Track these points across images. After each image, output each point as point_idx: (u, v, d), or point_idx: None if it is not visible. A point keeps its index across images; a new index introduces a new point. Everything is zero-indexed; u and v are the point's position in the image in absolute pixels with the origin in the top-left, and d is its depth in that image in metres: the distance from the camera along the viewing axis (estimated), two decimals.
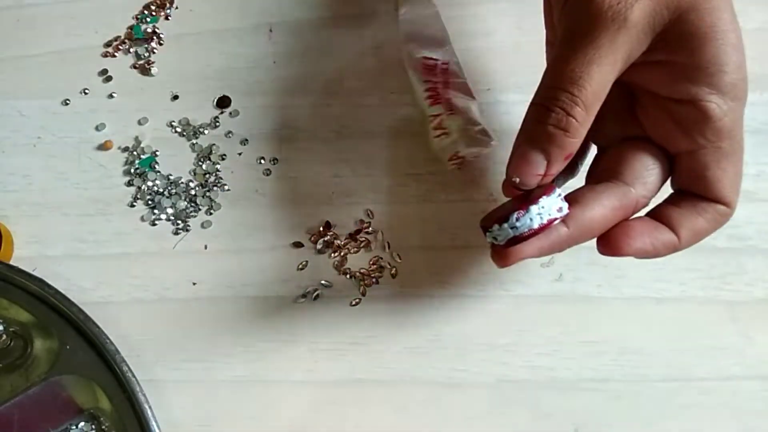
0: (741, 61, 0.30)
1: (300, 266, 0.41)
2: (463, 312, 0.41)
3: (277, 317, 0.41)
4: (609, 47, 0.29)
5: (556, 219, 0.30)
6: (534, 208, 0.30)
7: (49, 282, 0.39)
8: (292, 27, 0.46)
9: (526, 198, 0.31)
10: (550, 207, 0.30)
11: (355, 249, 0.42)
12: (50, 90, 0.45)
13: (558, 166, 0.31)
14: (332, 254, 0.41)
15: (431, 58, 0.42)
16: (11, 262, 0.41)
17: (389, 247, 0.42)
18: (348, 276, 0.41)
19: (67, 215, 0.42)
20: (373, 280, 0.41)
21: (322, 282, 0.41)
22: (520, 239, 0.30)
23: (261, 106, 0.44)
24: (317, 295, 0.41)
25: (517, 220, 0.30)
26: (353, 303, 0.41)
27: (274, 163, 0.43)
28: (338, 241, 0.42)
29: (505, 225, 0.30)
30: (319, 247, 0.41)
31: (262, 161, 0.43)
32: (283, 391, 0.39)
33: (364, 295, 0.41)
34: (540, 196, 0.30)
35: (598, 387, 0.39)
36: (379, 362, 0.40)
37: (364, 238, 0.42)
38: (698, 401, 0.39)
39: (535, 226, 0.30)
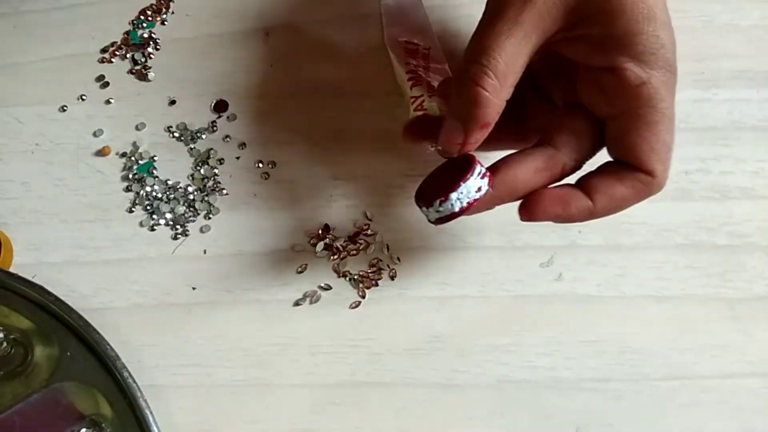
0: (657, 30, 0.31)
1: (299, 269, 0.41)
2: (463, 313, 0.41)
3: (277, 320, 0.41)
4: (516, 20, 0.31)
5: (476, 200, 0.32)
6: (453, 195, 0.32)
7: (49, 289, 0.39)
8: (288, 31, 0.46)
9: (454, 166, 0.34)
10: (469, 191, 0.32)
11: (354, 251, 0.42)
12: (47, 97, 0.45)
13: (476, 135, 0.33)
14: (331, 257, 0.41)
15: (413, 43, 0.42)
16: (11, 270, 0.41)
17: (388, 249, 0.42)
18: (347, 278, 0.41)
19: (65, 222, 0.42)
20: (373, 282, 0.41)
21: (322, 285, 0.41)
22: (444, 219, 0.33)
23: (258, 109, 0.44)
24: (317, 298, 0.41)
25: (440, 205, 0.33)
26: (353, 305, 0.41)
27: (272, 167, 0.43)
28: (337, 244, 0.42)
29: (431, 209, 0.33)
30: (318, 250, 0.41)
31: (260, 165, 0.43)
32: (284, 395, 0.39)
33: (363, 297, 0.41)
34: (459, 181, 0.32)
35: (599, 387, 0.39)
36: (380, 364, 0.40)
37: (363, 241, 0.42)
38: (699, 400, 0.39)
39: (456, 209, 0.32)
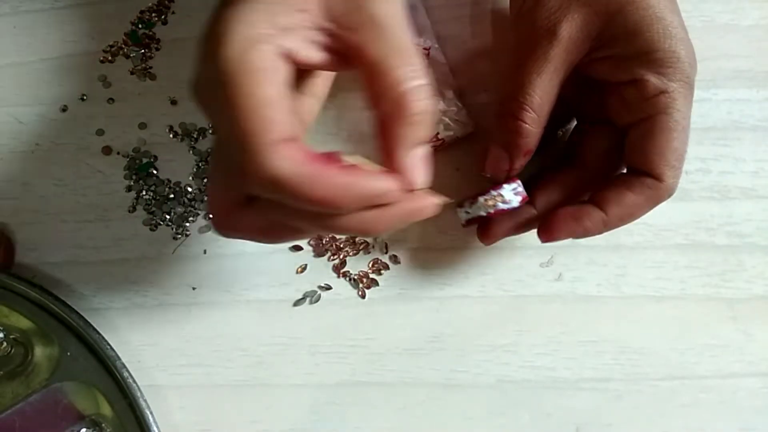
0: (673, 45, 0.33)
1: (299, 269, 0.41)
2: (463, 313, 0.41)
3: (277, 321, 0.41)
4: (545, 57, 0.34)
5: (503, 210, 0.35)
6: (481, 199, 0.36)
7: (49, 289, 0.39)
8: None
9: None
10: (497, 200, 0.35)
11: (354, 251, 0.42)
12: (48, 97, 0.45)
13: (520, 162, 0.36)
14: (331, 257, 0.41)
15: None
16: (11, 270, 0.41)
17: (388, 249, 0.42)
18: (347, 278, 0.41)
19: (66, 222, 0.42)
20: (373, 282, 0.41)
21: (322, 285, 0.41)
22: (474, 221, 0.36)
23: None
24: (317, 298, 0.41)
25: (470, 206, 0.36)
26: (353, 305, 0.41)
27: None
28: (337, 244, 0.42)
29: (461, 209, 0.37)
30: (318, 250, 0.41)
31: None
32: (284, 395, 0.40)
33: (363, 297, 0.41)
34: (490, 189, 0.36)
35: (599, 386, 0.39)
36: (380, 364, 0.40)
37: (362, 241, 0.42)
38: (699, 399, 0.39)
39: (483, 213, 0.36)
